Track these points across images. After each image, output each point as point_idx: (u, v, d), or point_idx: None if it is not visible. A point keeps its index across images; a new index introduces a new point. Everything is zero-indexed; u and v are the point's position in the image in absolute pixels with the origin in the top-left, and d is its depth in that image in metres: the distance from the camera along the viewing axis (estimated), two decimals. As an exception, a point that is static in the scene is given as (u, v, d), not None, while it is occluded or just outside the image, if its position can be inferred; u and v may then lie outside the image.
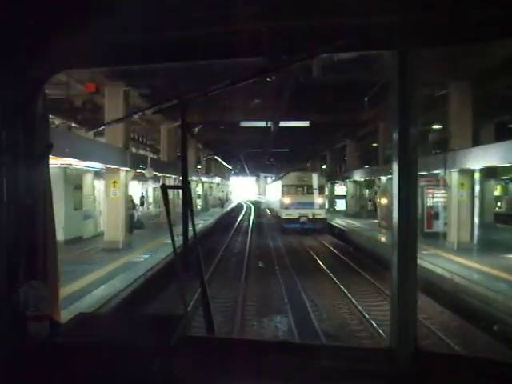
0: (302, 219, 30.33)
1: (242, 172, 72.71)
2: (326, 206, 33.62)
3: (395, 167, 1.80)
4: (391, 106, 1.81)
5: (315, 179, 32.23)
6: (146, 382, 1.57)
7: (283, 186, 32.63)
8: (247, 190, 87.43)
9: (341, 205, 40.59)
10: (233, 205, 63.33)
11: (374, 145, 32.31)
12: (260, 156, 45.99)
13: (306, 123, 25.89)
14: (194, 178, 34.78)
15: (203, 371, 1.78)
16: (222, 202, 52.63)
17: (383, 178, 26.00)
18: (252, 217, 44.49)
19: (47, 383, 1.55)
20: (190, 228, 1.99)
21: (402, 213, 1.79)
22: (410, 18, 1.67)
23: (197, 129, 26.35)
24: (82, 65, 2.68)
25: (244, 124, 26.48)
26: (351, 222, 29.80)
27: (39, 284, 1.92)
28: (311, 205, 30.58)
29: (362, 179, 32.16)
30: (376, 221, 27.60)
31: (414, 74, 1.76)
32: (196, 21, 1.84)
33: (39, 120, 2.04)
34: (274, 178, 61.22)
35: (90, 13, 1.73)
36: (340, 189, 42.37)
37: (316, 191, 31.24)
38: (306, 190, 31.60)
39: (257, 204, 66.25)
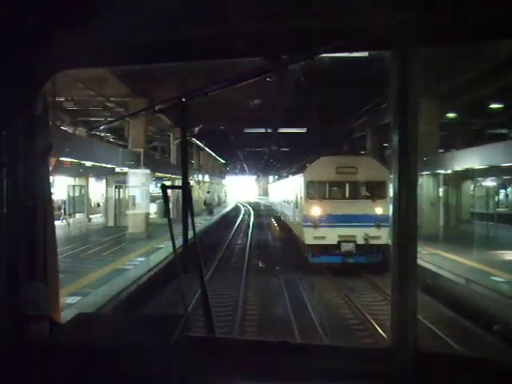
0: (346, 247, 16.18)
1: (240, 170, 67.44)
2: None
3: (395, 167, 1.80)
4: (391, 106, 1.81)
5: (372, 168, 16.80)
6: (146, 381, 1.57)
7: (308, 182, 17.39)
8: (246, 190, 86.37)
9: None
10: (228, 208, 48.86)
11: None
12: (263, 139, 31.57)
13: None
14: (140, 171, 19.75)
15: (203, 371, 1.78)
16: (210, 208, 36.05)
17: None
18: (250, 231, 29.51)
19: (47, 383, 1.55)
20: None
21: (402, 213, 1.79)
22: (410, 18, 1.67)
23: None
24: (83, 64, 2.69)
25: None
26: (448, 255, 14.31)
27: (39, 284, 1.92)
28: (364, 219, 16.18)
29: (468, 168, 16.86)
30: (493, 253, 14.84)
31: (414, 73, 1.76)
32: (196, 21, 1.84)
33: (39, 120, 2.04)
34: (276, 178, 51.40)
35: (90, 12, 1.73)
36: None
37: (375, 192, 16.68)
38: (352, 189, 16.92)
39: (257, 207, 57.94)
